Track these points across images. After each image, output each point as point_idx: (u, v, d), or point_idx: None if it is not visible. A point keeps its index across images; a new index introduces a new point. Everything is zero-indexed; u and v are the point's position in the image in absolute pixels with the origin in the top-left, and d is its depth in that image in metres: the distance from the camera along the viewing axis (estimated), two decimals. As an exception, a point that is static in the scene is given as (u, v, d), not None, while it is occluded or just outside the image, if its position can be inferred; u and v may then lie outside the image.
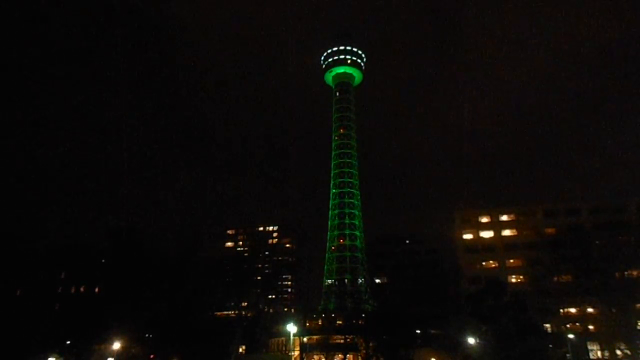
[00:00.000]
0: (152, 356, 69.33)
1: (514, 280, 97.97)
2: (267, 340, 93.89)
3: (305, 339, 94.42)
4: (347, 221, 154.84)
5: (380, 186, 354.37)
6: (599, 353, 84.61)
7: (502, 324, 62.43)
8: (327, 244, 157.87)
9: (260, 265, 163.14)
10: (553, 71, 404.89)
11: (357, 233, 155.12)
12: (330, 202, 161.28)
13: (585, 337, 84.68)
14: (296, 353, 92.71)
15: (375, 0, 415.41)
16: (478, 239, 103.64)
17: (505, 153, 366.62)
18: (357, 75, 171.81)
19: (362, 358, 78.00)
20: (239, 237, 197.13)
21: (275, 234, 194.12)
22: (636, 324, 75.86)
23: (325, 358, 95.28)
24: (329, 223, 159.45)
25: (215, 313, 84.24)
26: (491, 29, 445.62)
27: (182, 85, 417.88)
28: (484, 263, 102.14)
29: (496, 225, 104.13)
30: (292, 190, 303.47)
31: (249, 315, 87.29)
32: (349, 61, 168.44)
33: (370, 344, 73.71)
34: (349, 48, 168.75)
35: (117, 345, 59.93)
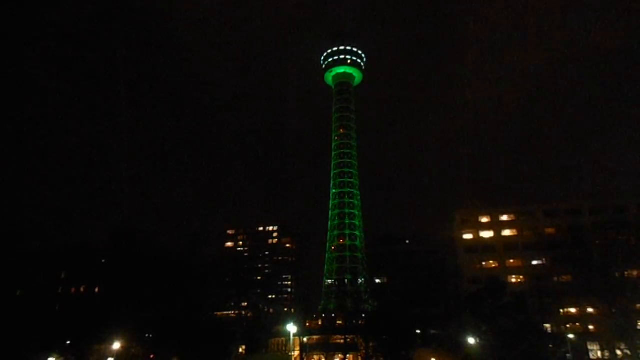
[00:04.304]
0: (152, 356, 69.35)
1: (514, 280, 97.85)
2: (267, 341, 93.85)
3: (305, 339, 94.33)
4: (347, 221, 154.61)
5: (380, 186, 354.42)
6: (599, 353, 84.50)
7: (502, 324, 62.44)
8: (327, 244, 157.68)
9: (260, 265, 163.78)
10: (553, 71, 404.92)
11: (357, 233, 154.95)
12: (330, 202, 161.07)
13: (585, 337, 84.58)
14: (296, 353, 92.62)
15: (375, 1, 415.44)
16: (478, 239, 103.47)
17: (505, 153, 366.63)
18: (357, 75, 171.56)
19: (362, 358, 77.99)
20: (239, 237, 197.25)
21: (275, 234, 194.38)
22: (636, 324, 75.82)
23: (325, 358, 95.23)
24: (329, 223, 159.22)
25: (215, 313, 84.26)
26: (491, 29, 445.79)
27: (182, 86, 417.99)
28: (484, 263, 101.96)
29: (496, 225, 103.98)
30: (292, 190, 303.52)
31: (249, 315, 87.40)
32: (349, 61, 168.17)
33: (370, 344, 73.72)
34: (348, 48, 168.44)
35: (117, 345, 59.94)
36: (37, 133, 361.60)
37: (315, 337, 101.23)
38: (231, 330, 74.54)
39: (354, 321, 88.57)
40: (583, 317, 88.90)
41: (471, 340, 63.69)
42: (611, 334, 74.39)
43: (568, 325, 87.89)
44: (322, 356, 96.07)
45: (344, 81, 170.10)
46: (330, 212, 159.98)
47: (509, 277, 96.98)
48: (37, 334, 57.59)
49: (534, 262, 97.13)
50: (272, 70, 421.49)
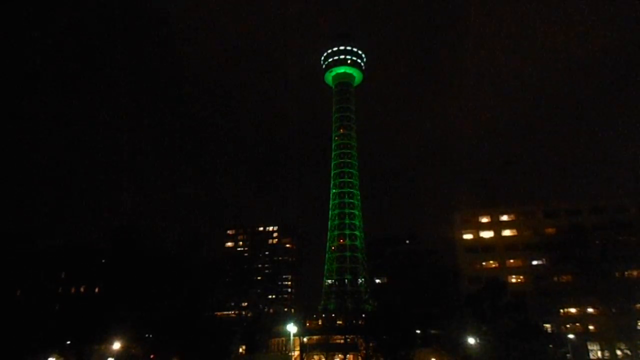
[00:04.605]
0: (152, 356, 69.34)
1: (514, 280, 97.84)
2: (267, 340, 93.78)
3: (305, 339, 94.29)
4: (347, 221, 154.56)
5: (380, 186, 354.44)
6: (599, 353, 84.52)
7: (502, 324, 62.46)
8: (327, 244, 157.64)
9: (260, 265, 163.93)
10: (553, 71, 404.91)
11: (357, 233, 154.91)
12: (330, 202, 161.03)
13: (585, 337, 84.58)
14: (296, 353, 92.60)
15: (376, 1, 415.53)
16: (478, 239, 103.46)
17: (505, 153, 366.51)
18: (357, 75, 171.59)
19: (362, 358, 77.97)
20: (239, 237, 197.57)
21: (275, 234, 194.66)
22: (636, 324, 75.84)
23: (325, 358, 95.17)
24: (329, 223, 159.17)
25: (215, 313, 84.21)
26: (491, 28, 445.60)
27: (182, 86, 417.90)
28: (484, 263, 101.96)
29: (496, 225, 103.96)
30: (292, 190, 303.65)
31: (249, 315, 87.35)
32: (349, 61, 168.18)
33: (370, 344, 73.71)
34: (349, 48, 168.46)
35: (117, 345, 59.97)
36: (36, 133, 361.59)
37: (315, 337, 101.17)
38: (231, 330, 74.49)
39: (354, 321, 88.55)
40: (583, 317, 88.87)
41: (471, 340, 63.68)
42: (611, 334, 74.43)
43: (568, 325, 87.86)
44: (322, 356, 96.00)
45: (344, 81, 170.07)
46: (330, 212, 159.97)
47: (509, 277, 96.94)
48: (37, 334, 57.58)
49: (534, 262, 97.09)
50: (272, 70, 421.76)
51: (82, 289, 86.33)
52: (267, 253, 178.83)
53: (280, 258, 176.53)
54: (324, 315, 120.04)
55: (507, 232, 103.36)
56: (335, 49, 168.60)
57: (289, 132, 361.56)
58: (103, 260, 79.80)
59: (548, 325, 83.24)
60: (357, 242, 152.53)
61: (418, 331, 75.66)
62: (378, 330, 70.73)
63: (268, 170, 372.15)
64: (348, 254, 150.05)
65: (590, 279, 72.48)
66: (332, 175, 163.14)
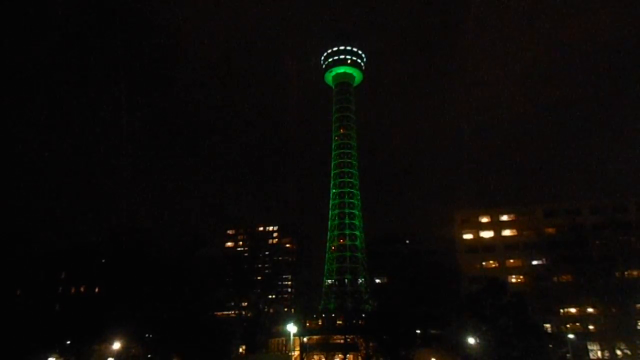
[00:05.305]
0: (150, 356, 69.32)
1: (514, 280, 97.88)
2: (267, 340, 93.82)
3: (305, 339, 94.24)
4: (347, 221, 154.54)
5: (380, 186, 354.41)
6: (599, 353, 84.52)
7: (502, 324, 62.47)
8: (327, 244, 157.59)
9: (260, 265, 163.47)
10: (553, 70, 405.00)
11: (357, 233, 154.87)
12: (330, 202, 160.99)
13: (585, 337, 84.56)
14: (296, 353, 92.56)
15: (375, 1, 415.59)
16: (478, 239, 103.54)
17: (505, 153, 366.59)
18: (357, 75, 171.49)
19: (362, 358, 78.00)
20: (239, 237, 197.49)
21: (275, 234, 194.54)
22: (636, 324, 75.80)
23: (325, 358, 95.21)
24: (329, 223, 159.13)
25: (215, 313, 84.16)
26: (491, 28, 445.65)
27: (181, 86, 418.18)
28: (484, 263, 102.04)
29: (496, 225, 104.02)
30: (292, 190, 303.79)
31: (249, 315, 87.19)
32: (349, 61, 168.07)
33: (370, 344, 73.72)
34: (349, 48, 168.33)
35: (117, 345, 59.97)
36: (35, 133, 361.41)
37: (315, 337, 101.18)
38: (231, 330, 74.51)
39: (354, 321, 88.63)
40: (583, 317, 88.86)
41: (471, 340, 63.68)
42: (611, 334, 74.41)
43: (568, 325, 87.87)
44: (322, 356, 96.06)
45: (344, 81, 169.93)
46: (330, 212, 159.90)
47: (509, 277, 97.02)
48: (37, 334, 57.56)
49: (534, 262, 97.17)
50: (272, 70, 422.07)
51: (82, 289, 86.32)
52: (267, 253, 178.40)
53: (280, 258, 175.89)
54: (324, 315, 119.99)
55: (507, 232, 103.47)
56: (335, 49, 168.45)
57: (289, 132, 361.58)
58: (103, 261, 79.76)
59: (548, 325, 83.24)
60: (357, 242, 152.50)
61: (418, 331, 75.64)
62: (378, 330, 70.71)
63: (268, 171, 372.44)
64: (348, 254, 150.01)
65: (590, 279, 72.50)
66: (332, 175, 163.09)
